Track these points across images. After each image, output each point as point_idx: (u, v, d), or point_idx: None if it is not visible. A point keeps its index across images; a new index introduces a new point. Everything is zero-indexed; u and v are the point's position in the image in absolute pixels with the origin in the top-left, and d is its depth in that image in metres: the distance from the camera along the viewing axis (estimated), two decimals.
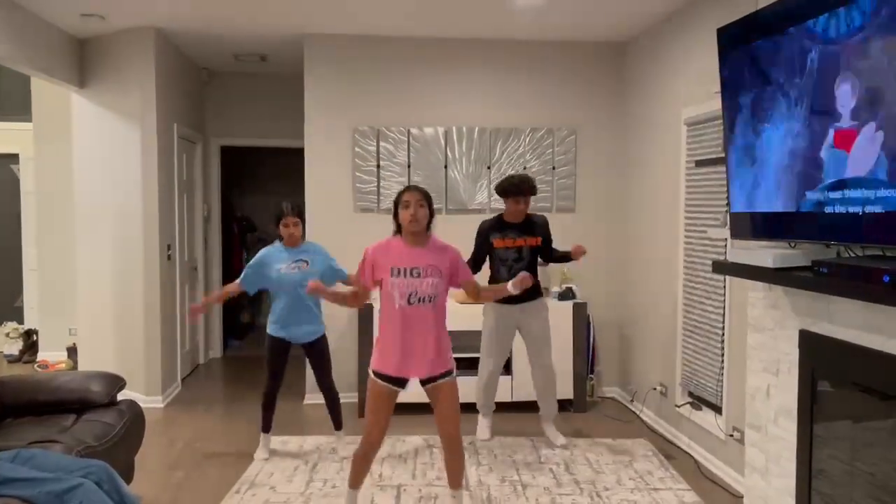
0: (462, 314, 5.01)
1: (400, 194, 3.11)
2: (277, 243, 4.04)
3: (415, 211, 3.03)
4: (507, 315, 4.27)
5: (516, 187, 4.13)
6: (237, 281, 4.02)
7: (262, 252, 4.02)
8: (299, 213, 4.00)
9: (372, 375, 3.10)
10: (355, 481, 3.22)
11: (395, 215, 3.11)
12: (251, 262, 4.01)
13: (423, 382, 3.11)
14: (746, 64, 2.90)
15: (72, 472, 2.62)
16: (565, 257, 4.36)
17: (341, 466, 4.03)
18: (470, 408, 4.98)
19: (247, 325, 8.58)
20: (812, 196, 2.57)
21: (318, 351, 4.15)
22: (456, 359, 5.10)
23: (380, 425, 3.12)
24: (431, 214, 3.11)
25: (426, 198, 3.09)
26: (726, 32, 3.05)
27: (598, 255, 5.58)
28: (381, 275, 3.05)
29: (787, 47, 2.63)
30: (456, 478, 3.23)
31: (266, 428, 4.18)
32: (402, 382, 3.09)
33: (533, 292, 4.23)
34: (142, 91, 5.19)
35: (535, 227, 4.29)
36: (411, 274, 3.02)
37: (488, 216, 5.40)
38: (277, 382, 4.11)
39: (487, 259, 4.35)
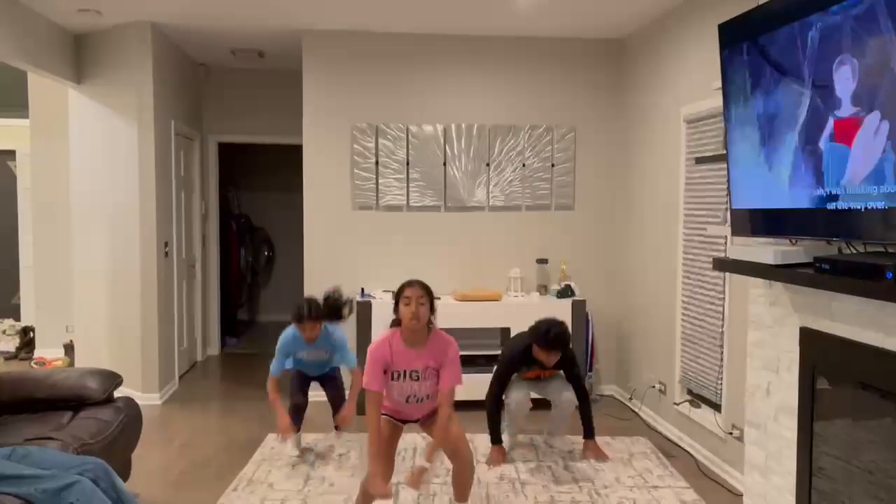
0: (465, 312, 5.01)
1: (402, 288, 3.00)
2: (296, 332, 3.97)
3: (416, 309, 2.92)
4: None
5: (552, 342, 3.83)
6: (271, 375, 3.97)
7: (284, 341, 3.98)
8: (317, 316, 3.89)
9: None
10: None
11: (396, 308, 3.01)
12: (278, 350, 3.98)
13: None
14: (748, 59, 2.89)
15: (68, 470, 2.60)
16: (586, 424, 4.11)
17: (339, 464, 4.02)
18: (475, 406, 4.98)
19: (244, 323, 8.57)
20: (814, 192, 2.56)
21: (331, 379, 4.22)
22: (471, 356, 5.11)
23: (385, 456, 3.06)
24: (433, 310, 3.01)
25: (428, 294, 2.98)
26: (728, 28, 3.03)
27: (596, 253, 5.58)
28: (385, 373, 3.05)
29: (791, 42, 2.62)
30: (462, 491, 3.20)
31: (295, 429, 4.18)
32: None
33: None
34: (139, 87, 5.17)
35: (561, 362, 4.01)
36: (410, 377, 3.03)
37: (487, 214, 5.44)
38: (299, 411, 4.13)
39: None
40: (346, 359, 4.06)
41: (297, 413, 4.13)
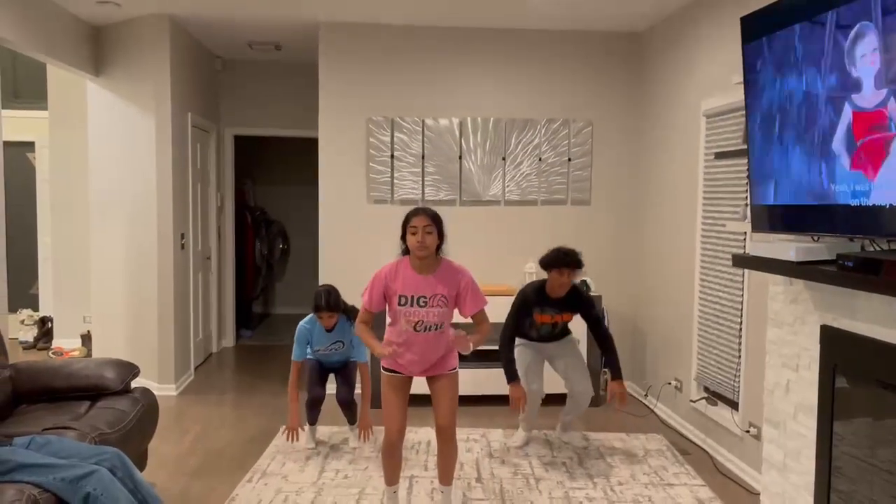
0: (489, 305, 4.98)
1: (408, 218, 3.01)
2: (314, 320, 4.02)
3: (422, 238, 2.93)
4: (535, 347, 4.16)
5: (561, 260, 3.85)
6: (294, 360, 4.05)
7: (302, 331, 4.04)
8: (335, 306, 3.93)
9: (383, 371, 3.16)
10: (390, 478, 3.20)
11: (403, 236, 3.02)
12: (296, 339, 4.05)
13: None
14: (771, 53, 2.85)
15: (86, 459, 2.62)
16: (613, 367, 3.99)
17: (353, 456, 4.03)
18: (500, 400, 4.97)
19: (259, 315, 8.60)
20: (836, 188, 2.52)
21: (347, 370, 4.22)
22: (485, 350, 5.09)
23: (397, 415, 3.09)
24: (441, 238, 3.01)
25: (435, 222, 2.98)
26: (750, 20, 2.99)
27: (612, 248, 5.55)
28: (390, 298, 3.05)
29: (815, 35, 2.57)
30: (447, 473, 3.20)
31: (311, 421, 4.21)
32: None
33: (561, 334, 4.18)
34: (156, 79, 5.19)
35: (576, 303, 4.02)
36: (417, 303, 3.01)
37: (502, 208, 5.41)
38: (319, 394, 4.13)
39: None
40: (359, 353, 4.07)
41: (314, 408, 4.14)
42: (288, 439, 3.98)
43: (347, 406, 4.19)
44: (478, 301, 3.09)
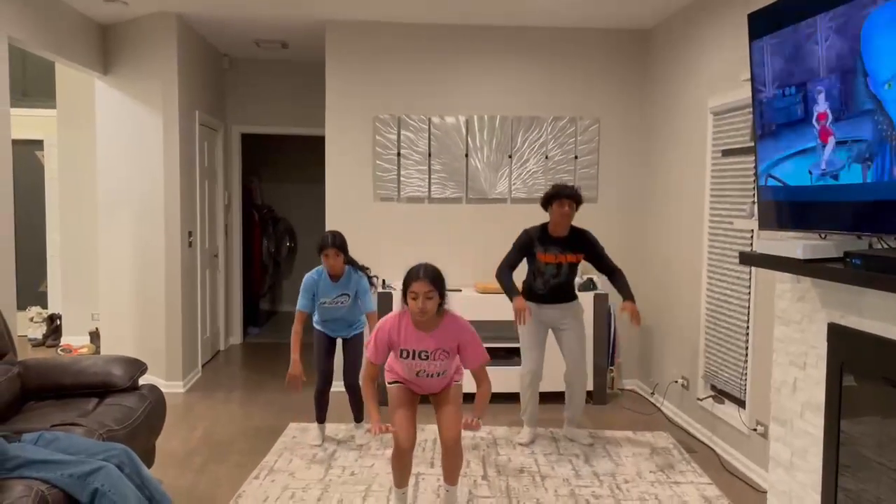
0: (486, 304, 5.00)
1: (408, 281, 2.94)
2: (321, 271, 4.04)
3: (423, 304, 2.90)
4: (538, 312, 4.18)
5: (561, 191, 3.99)
6: (298, 310, 4.04)
7: (308, 281, 4.05)
8: (341, 245, 3.96)
9: (388, 384, 3.18)
10: (399, 481, 3.20)
11: (404, 298, 2.97)
12: (302, 289, 4.05)
13: None
14: (778, 49, 2.84)
15: (94, 455, 2.64)
16: (623, 290, 4.07)
17: (359, 454, 4.04)
18: (505, 398, 4.98)
19: (266, 313, 8.63)
20: (844, 185, 2.51)
21: (353, 345, 4.23)
22: (491, 348, 5.12)
23: (406, 427, 3.06)
24: (442, 297, 2.96)
25: (436, 286, 2.91)
26: (758, 17, 2.98)
27: (619, 246, 5.53)
28: (392, 350, 3.08)
29: (823, 31, 2.56)
30: (452, 474, 3.20)
31: (320, 419, 4.24)
32: None
33: (567, 295, 4.20)
34: (164, 77, 5.20)
35: (579, 243, 4.13)
36: (419, 356, 3.04)
37: (509, 206, 5.41)
38: (327, 379, 4.17)
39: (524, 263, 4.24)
40: (365, 303, 4.07)
41: (322, 398, 4.18)
42: (289, 388, 3.95)
43: (354, 392, 4.18)
44: (477, 357, 3.06)
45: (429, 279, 2.91)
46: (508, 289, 4.06)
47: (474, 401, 3.05)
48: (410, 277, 2.94)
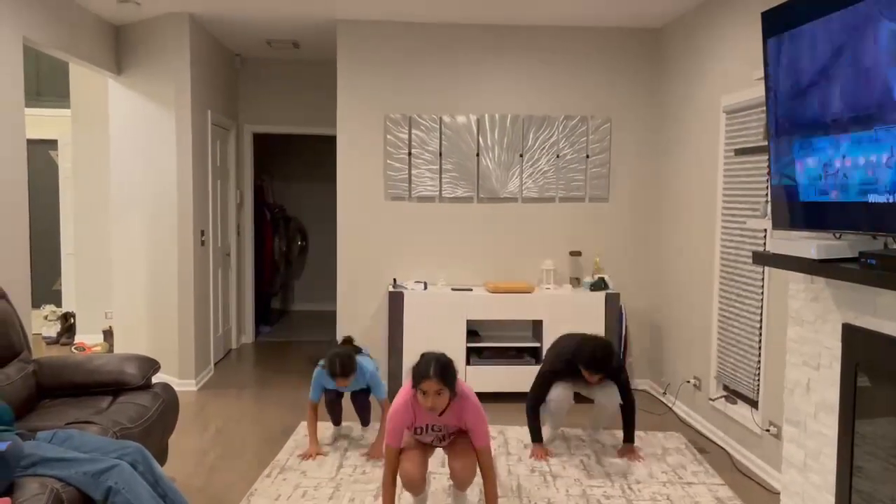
0: (497, 304, 4.99)
1: (418, 377, 2.89)
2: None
3: (433, 402, 2.88)
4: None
5: (596, 364, 3.74)
6: (310, 400, 4.01)
7: (319, 378, 3.97)
8: (349, 369, 3.83)
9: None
10: (414, 498, 3.24)
11: (413, 386, 2.93)
12: (313, 384, 3.99)
13: None
14: (792, 48, 2.81)
15: (107, 453, 2.66)
16: (628, 429, 4.03)
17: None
18: (517, 397, 4.97)
19: (278, 312, 8.66)
20: (858, 184, 2.49)
21: (363, 396, 4.23)
22: (503, 348, 5.09)
23: (417, 466, 3.04)
24: (453, 392, 2.92)
25: (445, 383, 2.87)
26: (771, 15, 2.96)
27: (631, 245, 5.51)
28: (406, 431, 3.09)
29: (838, 30, 2.54)
30: (463, 485, 3.17)
31: (336, 422, 4.31)
32: None
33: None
34: (176, 77, 5.23)
35: (606, 373, 3.86)
36: (433, 430, 3.11)
37: (520, 205, 5.40)
38: (337, 400, 4.25)
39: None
40: (377, 392, 4.01)
41: (335, 405, 4.21)
42: (301, 458, 3.95)
43: (363, 408, 4.22)
44: (481, 438, 3.01)
45: (438, 377, 2.86)
46: (532, 430, 4.01)
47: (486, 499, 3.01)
48: (420, 374, 2.88)
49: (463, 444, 3.12)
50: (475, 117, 5.35)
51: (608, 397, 4.01)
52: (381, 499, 3.09)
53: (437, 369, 2.87)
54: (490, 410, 4.83)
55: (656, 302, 5.43)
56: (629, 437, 4.05)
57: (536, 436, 4.03)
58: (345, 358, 3.83)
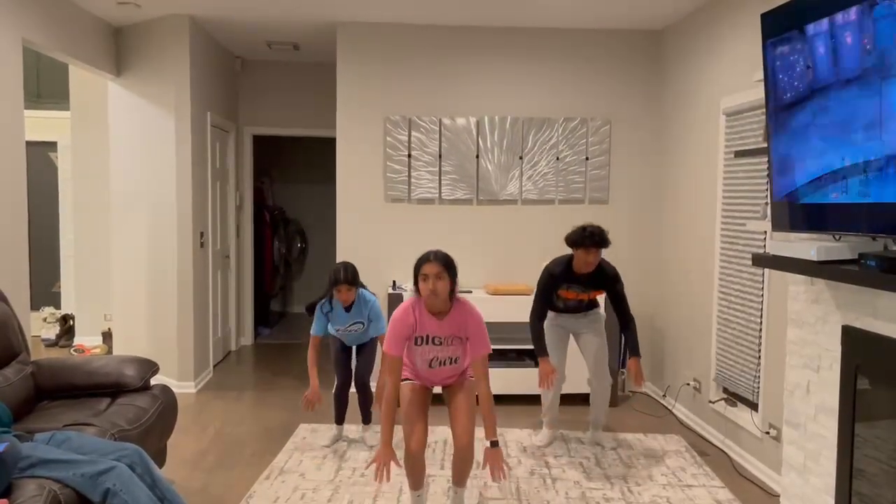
0: (497, 306, 4.98)
1: (419, 264, 2.99)
2: (334, 301, 4.03)
3: (433, 286, 2.94)
4: (562, 322, 4.18)
5: (588, 239, 3.85)
6: (313, 336, 4.05)
7: (321, 311, 4.06)
8: (353, 279, 3.97)
9: (402, 383, 3.17)
10: (414, 483, 3.18)
11: (415, 283, 3.01)
12: (316, 317, 4.07)
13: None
14: (792, 50, 2.81)
15: (106, 455, 2.65)
16: (632, 345, 4.04)
17: (370, 455, 4.03)
18: (518, 400, 4.96)
19: (277, 314, 8.65)
20: (859, 186, 2.48)
21: (367, 346, 4.26)
22: (503, 350, 5.09)
23: (417, 430, 3.04)
24: (454, 282, 2.99)
25: (447, 269, 2.96)
26: (771, 17, 2.96)
27: (631, 248, 5.51)
28: (407, 340, 3.08)
29: (837, 31, 2.54)
30: (462, 477, 3.17)
31: (339, 420, 4.28)
32: None
33: (589, 304, 4.18)
34: (176, 79, 5.23)
35: (602, 280, 4.00)
36: (433, 342, 3.06)
37: (519, 207, 5.40)
38: (344, 379, 4.23)
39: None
40: (377, 326, 4.09)
41: (342, 400, 4.22)
42: (306, 409, 4.00)
43: (364, 393, 4.20)
44: (482, 344, 3.05)
45: (440, 262, 2.96)
46: (537, 346, 3.98)
47: (482, 414, 3.01)
48: (421, 261, 3.00)
49: (462, 396, 3.12)
50: (475, 119, 5.35)
51: (602, 377, 4.12)
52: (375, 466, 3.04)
53: (439, 256, 2.98)
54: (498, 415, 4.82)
55: (656, 304, 5.42)
56: (634, 352, 4.02)
57: (543, 351, 3.96)
58: (349, 265, 3.99)
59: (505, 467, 2.94)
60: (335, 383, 4.23)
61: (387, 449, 2.94)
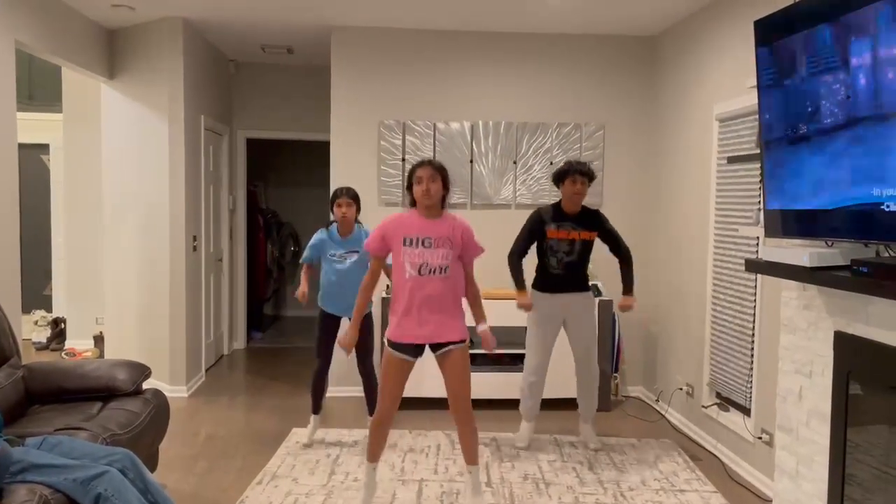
0: (490, 310, 4.97)
1: (414, 169, 3.14)
2: (332, 229, 4.17)
3: (427, 187, 3.08)
4: (552, 305, 4.18)
5: (574, 167, 4.02)
6: (303, 261, 4.33)
7: (318, 239, 4.22)
8: (355, 195, 4.12)
9: (387, 345, 3.20)
10: (372, 454, 3.27)
11: (409, 188, 3.15)
12: (310, 244, 4.25)
13: (434, 348, 3.19)
14: (784, 56, 2.83)
15: (97, 460, 2.63)
16: (626, 280, 4.21)
17: (363, 459, 4.02)
18: (510, 404, 4.96)
19: (270, 318, 8.63)
20: (851, 193, 2.50)
21: (362, 328, 4.17)
22: (496, 355, 5.09)
23: (392, 394, 3.18)
24: (446, 189, 3.15)
25: (440, 172, 3.12)
26: (764, 24, 2.97)
27: None
28: (394, 245, 3.13)
29: (830, 39, 2.55)
30: (471, 453, 3.21)
31: (315, 409, 4.27)
32: (416, 351, 3.18)
33: (580, 285, 4.19)
34: (170, 82, 5.22)
35: (592, 220, 4.16)
36: (423, 244, 3.10)
37: (513, 212, 5.40)
38: (325, 363, 4.22)
39: (535, 247, 4.24)
40: None
41: (317, 386, 4.22)
42: (299, 296, 4.17)
43: (369, 382, 4.17)
44: (474, 247, 3.25)
45: (432, 166, 3.12)
46: (516, 279, 4.08)
47: (469, 303, 3.29)
48: (415, 165, 3.15)
49: (457, 363, 3.16)
50: (469, 124, 5.35)
51: (589, 365, 4.19)
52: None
53: (432, 161, 3.18)
54: (483, 418, 4.81)
55: (650, 309, 5.43)
56: (628, 289, 4.16)
57: (521, 284, 4.10)
58: (350, 187, 4.13)
59: (493, 340, 3.24)
60: (315, 367, 4.21)
61: (353, 332, 3.29)
